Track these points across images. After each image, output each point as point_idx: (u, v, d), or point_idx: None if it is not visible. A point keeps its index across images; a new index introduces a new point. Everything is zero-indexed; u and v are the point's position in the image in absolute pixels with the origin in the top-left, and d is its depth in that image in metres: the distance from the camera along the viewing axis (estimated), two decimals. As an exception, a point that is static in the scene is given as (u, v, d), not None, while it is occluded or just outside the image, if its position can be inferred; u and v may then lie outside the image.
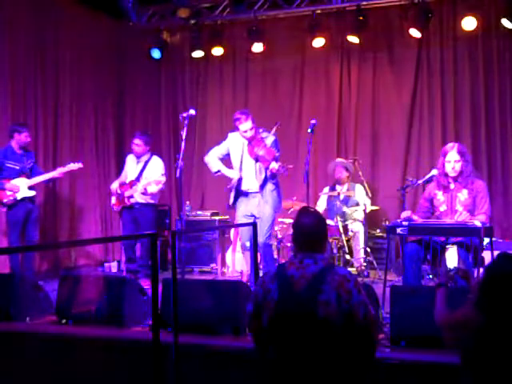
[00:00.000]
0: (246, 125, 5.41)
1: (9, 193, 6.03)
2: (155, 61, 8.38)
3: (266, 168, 5.38)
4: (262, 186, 5.47)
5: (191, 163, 8.44)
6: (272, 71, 8.26)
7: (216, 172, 5.67)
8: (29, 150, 6.42)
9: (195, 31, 8.09)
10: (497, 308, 2.17)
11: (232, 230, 7.03)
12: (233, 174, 5.57)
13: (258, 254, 5.14)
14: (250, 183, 5.51)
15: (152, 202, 6.61)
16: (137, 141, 6.59)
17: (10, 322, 4.24)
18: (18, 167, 6.15)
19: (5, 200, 6.02)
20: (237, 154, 5.59)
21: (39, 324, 4.31)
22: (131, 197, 6.47)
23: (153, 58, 8.26)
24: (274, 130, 5.51)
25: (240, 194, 5.60)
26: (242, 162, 5.55)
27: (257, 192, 5.51)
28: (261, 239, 5.42)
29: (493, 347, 2.14)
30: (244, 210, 5.59)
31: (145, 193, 6.44)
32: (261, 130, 5.49)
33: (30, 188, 6.17)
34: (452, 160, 4.67)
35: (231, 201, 5.65)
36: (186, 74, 8.70)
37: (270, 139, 5.47)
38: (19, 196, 6.07)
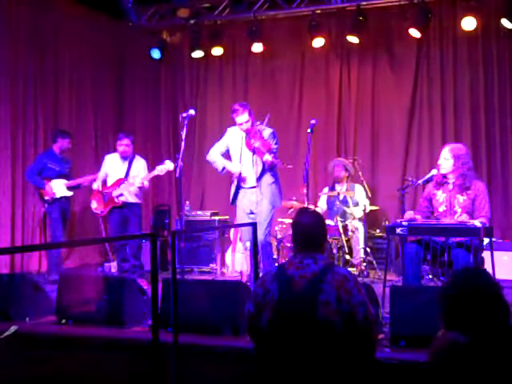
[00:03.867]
0: (242, 117, 5.38)
1: (49, 191, 6.55)
2: (155, 61, 8.38)
3: (262, 160, 5.36)
4: (259, 179, 5.43)
5: (191, 163, 8.44)
6: (272, 71, 8.25)
7: (222, 170, 5.64)
8: (67, 156, 6.91)
9: (195, 31, 8.08)
10: (476, 322, 2.06)
11: (232, 230, 7.03)
12: (234, 168, 5.54)
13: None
14: (248, 177, 5.49)
15: (139, 201, 6.62)
16: (126, 141, 6.50)
17: (10, 322, 4.24)
18: (57, 168, 6.65)
19: (46, 197, 6.58)
20: (236, 148, 5.56)
21: (39, 324, 4.31)
22: (121, 195, 6.44)
23: (153, 58, 8.26)
24: (265, 121, 5.47)
25: (239, 189, 5.57)
26: (241, 156, 5.52)
27: (254, 187, 5.46)
28: (260, 237, 5.38)
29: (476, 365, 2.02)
30: (242, 207, 5.56)
31: (142, 187, 6.43)
32: (258, 123, 5.48)
33: (69, 189, 6.67)
34: (442, 157, 4.70)
35: (231, 197, 5.63)
36: (186, 74, 8.70)
37: (266, 131, 5.45)
38: (58, 194, 6.58)
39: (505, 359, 2.00)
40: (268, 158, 5.24)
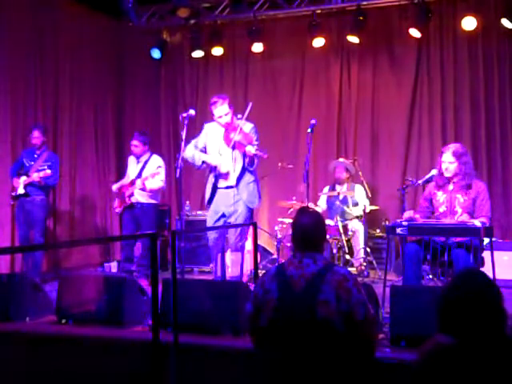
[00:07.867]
0: (221, 109, 5.14)
1: (14, 188, 6.48)
2: (155, 61, 8.38)
3: (243, 154, 5.08)
4: (239, 179, 5.19)
5: (191, 163, 8.42)
6: (272, 71, 8.25)
7: (201, 165, 5.33)
8: (52, 152, 6.81)
9: (195, 31, 8.08)
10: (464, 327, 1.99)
11: (232, 230, 7.02)
12: (214, 160, 5.24)
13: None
14: (228, 175, 5.22)
15: (154, 201, 6.57)
16: (134, 142, 6.61)
17: (10, 322, 4.24)
18: (27, 165, 6.53)
19: (12, 194, 6.51)
20: (214, 145, 5.29)
21: (39, 324, 4.31)
22: (131, 195, 6.47)
23: (153, 57, 8.26)
24: (247, 112, 5.19)
25: (215, 189, 5.30)
26: (219, 153, 5.27)
27: (231, 186, 5.21)
28: (231, 240, 5.25)
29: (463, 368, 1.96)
30: (214, 210, 5.28)
31: (143, 189, 6.41)
32: (239, 116, 5.23)
33: (24, 187, 6.44)
34: (446, 161, 4.67)
35: (207, 197, 5.35)
36: (186, 73, 8.69)
37: (247, 126, 5.19)
38: (18, 192, 6.47)
39: (494, 367, 1.92)
40: (251, 149, 4.94)
